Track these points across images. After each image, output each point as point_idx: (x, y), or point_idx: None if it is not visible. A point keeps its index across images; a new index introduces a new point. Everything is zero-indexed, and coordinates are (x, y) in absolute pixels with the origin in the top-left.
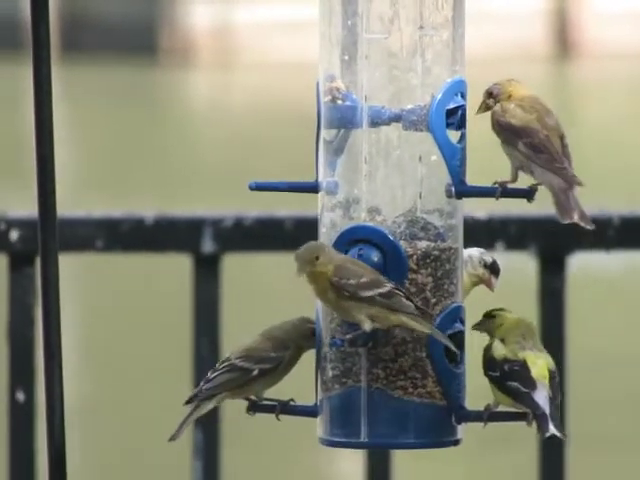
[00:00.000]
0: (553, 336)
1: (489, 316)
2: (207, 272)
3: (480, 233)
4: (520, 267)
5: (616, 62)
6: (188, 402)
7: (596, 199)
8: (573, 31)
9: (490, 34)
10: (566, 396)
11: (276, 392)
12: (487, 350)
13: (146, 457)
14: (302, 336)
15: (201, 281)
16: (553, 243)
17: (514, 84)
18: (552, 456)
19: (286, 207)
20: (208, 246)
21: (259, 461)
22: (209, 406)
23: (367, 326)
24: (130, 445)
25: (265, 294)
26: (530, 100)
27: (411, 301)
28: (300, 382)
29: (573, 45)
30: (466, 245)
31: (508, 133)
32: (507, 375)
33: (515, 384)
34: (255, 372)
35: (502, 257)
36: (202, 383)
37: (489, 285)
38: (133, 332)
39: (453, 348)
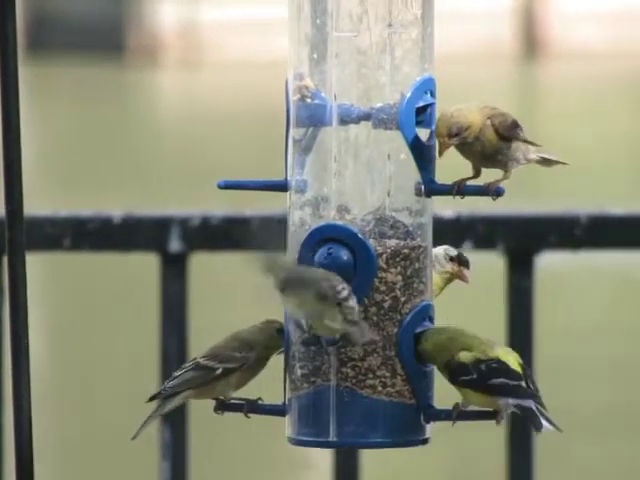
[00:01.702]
0: (521, 335)
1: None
2: (174, 271)
3: (448, 232)
4: (488, 266)
5: (582, 61)
6: (151, 399)
7: (562, 199)
8: (539, 30)
9: (457, 33)
10: None
11: (246, 392)
12: (450, 361)
13: (114, 457)
14: (269, 338)
15: (168, 280)
16: (521, 242)
17: (463, 112)
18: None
19: (253, 206)
20: (175, 245)
21: (228, 461)
22: (173, 404)
23: (305, 326)
24: (98, 446)
25: (232, 293)
26: (488, 111)
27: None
28: (270, 382)
29: (539, 44)
30: (434, 244)
31: (511, 130)
32: (487, 374)
33: (500, 380)
34: (219, 371)
35: (470, 256)
36: (166, 381)
37: (462, 278)
38: (100, 331)
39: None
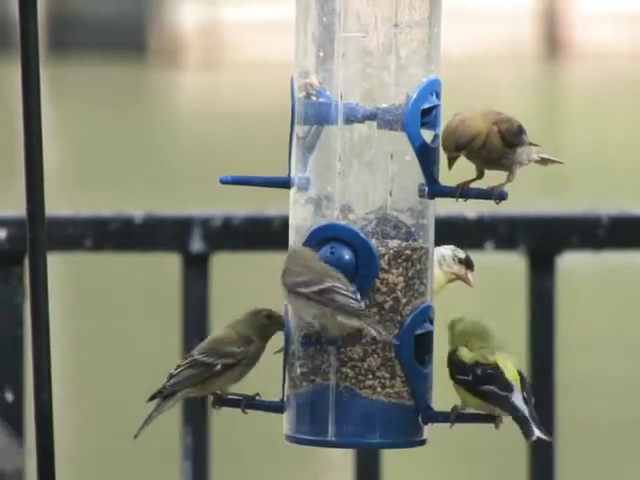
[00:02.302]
0: (542, 336)
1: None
2: (196, 271)
3: (470, 233)
4: (510, 267)
5: (604, 62)
6: (152, 399)
7: (585, 199)
8: (562, 31)
9: (479, 33)
10: (555, 397)
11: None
12: (453, 355)
13: (135, 459)
14: (262, 328)
15: (190, 280)
16: (542, 243)
17: (468, 122)
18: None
19: (275, 207)
20: (197, 245)
21: (248, 464)
22: (173, 402)
23: (316, 326)
24: (119, 447)
25: (253, 293)
26: (493, 117)
27: (356, 299)
28: (264, 378)
29: (561, 45)
30: (455, 245)
31: (517, 136)
32: (481, 379)
33: (491, 387)
34: (218, 367)
35: (491, 257)
36: (166, 380)
37: (466, 280)
38: (122, 332)
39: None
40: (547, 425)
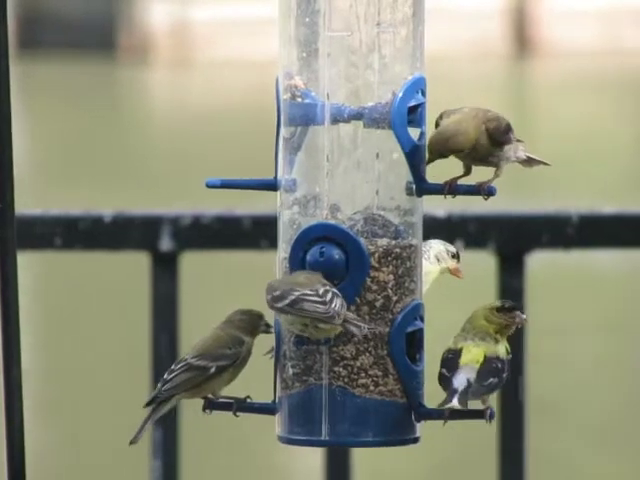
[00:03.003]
0: (512, 335)
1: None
2: (165, 270)
3: (439, 231)
4: (479, 265)
5: (573, 60)
6: (148, 404)
7: (553, 197)
8: (531, 29)
9: (448, 32)
10: (525, 395)
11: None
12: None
13: (103, 456)
14: (255, 329)
15: (159, 279)
16: (512, 241)
17: (459, 128)
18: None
19: (245, 206)
20: (166, 244)
21: (219, 460)
22: (167, 407)
23: (306, 334)
24: (88, 445)
25: (223, 292)
26: (482, 115)
27: (323, 303)
28: (254, 380)
29: (531, 43)
30: (425, 239)
31: (505, 135)
32: (441, 363)
33: (442, 370)
34: (212, 370)
35: (461, 255)
36: (160, 384)
37: (458, 274)
38: (91, 330)
39: (362, 331)
40: (515, 420)
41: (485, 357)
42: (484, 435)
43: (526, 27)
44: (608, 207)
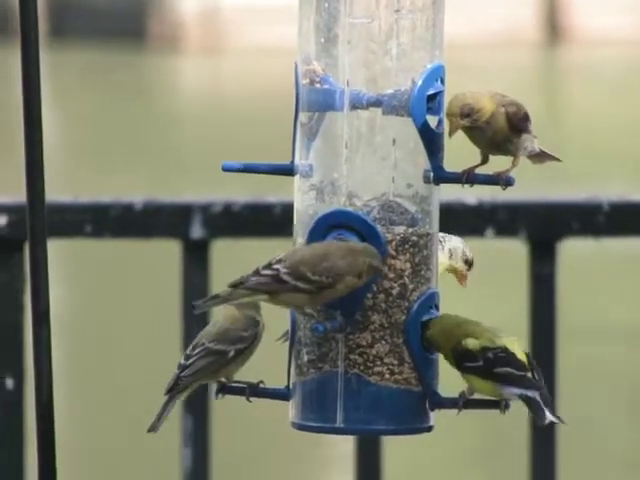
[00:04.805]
0: (543, 322)
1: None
2: (196, 258)
3: (470, 219)
4: (510, 253)
5: (605, 48)
6: (169, 391)
7: (585, 184)
8: (562, 16)
9: (478, 18)
10: (557, 381)
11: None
12: (457, 347)
13: (134, 445)
14: (259, 310)
15: (190, 267)
16: (543, 229)
17: (475, 95)
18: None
19: (276, 193)
20: (197, 232)
21: (250, 448)
22: (186, 393)
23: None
24: (118, 433)
25: None
26: (499, 99)
27: (262, 274)
28: (263, 365)
29: (562, 30)
30: (455, 231)
31: (523, 122)
32: (493, 362)
33: (506, 369)
34: (231, 353)
35: (492, 243)
36: (178, 370)
37: (462, 280)
38: (122, 318)
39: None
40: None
41: (525, 354)
42: (513, 423)
43: (558, 14)
44: (639, 195)
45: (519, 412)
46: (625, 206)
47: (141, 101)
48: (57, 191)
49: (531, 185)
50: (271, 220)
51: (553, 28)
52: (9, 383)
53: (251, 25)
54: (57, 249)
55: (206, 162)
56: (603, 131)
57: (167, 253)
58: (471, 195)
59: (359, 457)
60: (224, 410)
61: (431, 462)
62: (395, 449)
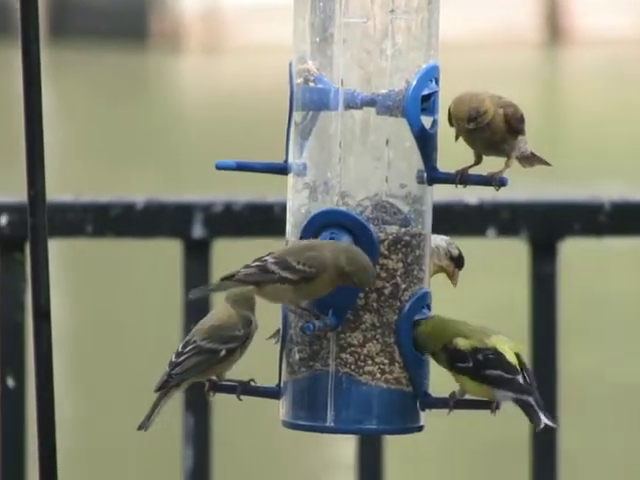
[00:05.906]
0: (544, 322)
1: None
2: (197, 257)
3: (471, 219)
4: (512, 253)
5: (606, 49)
6: (160, 389)
7: (586, 185)
8: (563, 17)
9: (478, 19)
10: (558, 382)
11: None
12: (448, 345)
13: (135, 446)
14: (252, 307)
15: (191, 266)
16: (544, 229)
17: (479, 97)
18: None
19: (277, 193)
20: (198, 231)
21: (251, 447)
22: (178, 391)
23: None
24: (122, 434)
25: None
26: (497, 100)
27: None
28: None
29: (563, 31)
30: (456, 231)
31: (520, 123)
32: (483, 364)
33: (496, 372)
34: (222, 353)
35: (493, 243)
36: (169, 368)
37: (452, 278)
38: (123, 318)
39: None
40: (550, 412)
41: (517, 355)
42: (515, 426)
43: (558, 14)
44: None
45: (519, 412)
46: (626, 206)
47: (142, 100)
48: (58, 191)
49: (532, 185)
50: (272, 220)
51: (553, 28)
52: (10, 383)
53: (252, 24)
54: (58, 249)
55: (207, 161)
56: (603, 131)
57: (168, 253)
58: (472, 195)
59: (360, 458)
60: (225, 410)
61: (431, 462)
62: (395, 449)
